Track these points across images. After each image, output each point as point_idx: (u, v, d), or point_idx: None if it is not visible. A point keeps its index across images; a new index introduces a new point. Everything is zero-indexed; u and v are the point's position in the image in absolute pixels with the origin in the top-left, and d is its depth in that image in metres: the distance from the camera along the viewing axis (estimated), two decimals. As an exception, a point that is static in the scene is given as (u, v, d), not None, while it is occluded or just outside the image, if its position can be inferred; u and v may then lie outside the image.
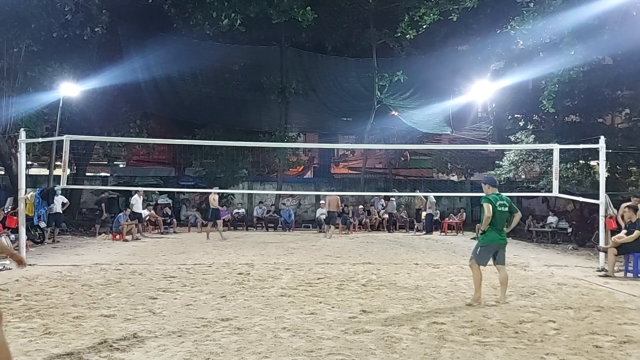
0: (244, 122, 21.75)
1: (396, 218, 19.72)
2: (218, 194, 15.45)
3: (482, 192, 6.94)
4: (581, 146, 11.10)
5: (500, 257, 6.70)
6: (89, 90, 16.74)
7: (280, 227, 19.04)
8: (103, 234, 15.13)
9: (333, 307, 6.12)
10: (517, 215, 6.85)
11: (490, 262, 6.76)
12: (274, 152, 20.63)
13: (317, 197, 20.91)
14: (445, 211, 20.61)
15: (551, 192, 11.35)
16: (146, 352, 4.34)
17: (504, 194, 6.95)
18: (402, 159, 26.29)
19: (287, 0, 17.05)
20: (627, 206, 9.30)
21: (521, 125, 17.05)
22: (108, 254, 11.35)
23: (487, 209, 6.48)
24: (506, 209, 6.65)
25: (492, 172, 17.09)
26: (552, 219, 16.37)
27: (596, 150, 10.39)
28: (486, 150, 19.79)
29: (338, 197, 16.55)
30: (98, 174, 25.16)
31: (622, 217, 9.52)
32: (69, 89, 15.35)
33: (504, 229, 6.73)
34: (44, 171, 22.03)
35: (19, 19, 13.52)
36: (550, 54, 13.43)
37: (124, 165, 26.16)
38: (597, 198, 10.10)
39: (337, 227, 17.37)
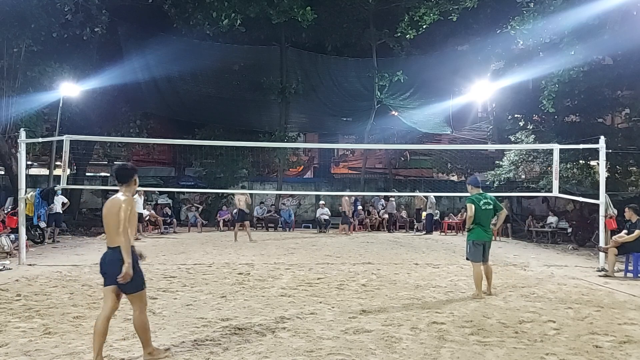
0: (244, 122, 21.73)
1: (396, 218, 19.71)
2: (244, 194, 14.99)
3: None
4: (581, 146, 11.10)
5: (485, 254, 7.08)
6: (89, 90, 16.72)
7: (280, 227, 19.04)
8: (103, 234, 15.10)
9: (333, 307, 6.12)
10: (503, 213, 7.42)
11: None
12: (274, 152, 20.62)
13: (317, 197, 20.91)
14: (445, 211, 20.61)
15: (551, 192, 11.36)
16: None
17: (490, 194, 7.45)
18: (402, 159, 26.28)
19: (287, 1, 17.03)
20: (629, 206, 9.30)
21: (521, 125, 17.05)
22: (108, 254, 11.33)
23: (470, 209, 6.98)
24: (490, 207, 7.07)
25: (492, 171, 17.10)
26: (552, 219, 16.37)
27: (596, 150, 10.40)
28: (486, 150, 19.78)
29: (347, 198, 17.02)
30: (98, 174, 25.16)
31: None
32: (69, 89, 15.34)
33: (492, 226, 7.12)
34: (44, 171, 22.01)
35: (19, 19, 13.51)
36: (550, 54, 13.42)
37: (124, 165, 26.11)
38: (597, 198, 10.11)
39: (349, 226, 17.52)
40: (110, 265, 4.00)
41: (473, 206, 6.93)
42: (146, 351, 4.13)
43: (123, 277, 3.90)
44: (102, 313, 4.07)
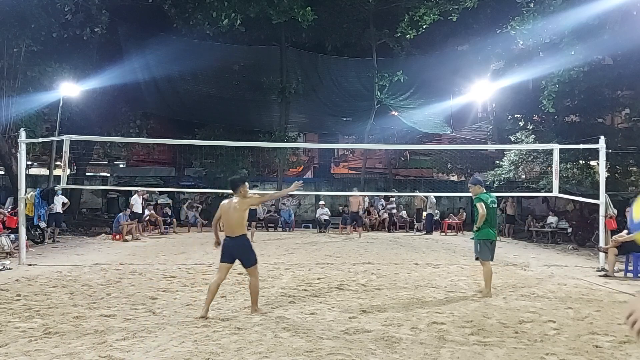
0: (244, 122, 21.74)
1: (396, 218, 19.70)
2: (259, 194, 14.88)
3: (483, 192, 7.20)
4: (581, 146, 11.10)
5: (492, 253, 7.12)
6: (89, 90, 16.72)
7: (280, 227, 19.03)
8: (103, 234, 15.12)
9: (333, 307, 6.12)
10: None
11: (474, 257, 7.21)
12: (274, 152, 20.62)
13: (317, 197, 20.90)
14: (445, 211, 20.60)
15: (551, 192, 11.36)
16: (146, 352, 4.34)
17: (494, 194, 7.51)
18: (402, 159, 26.28)
19: (287, 1, 17.03)
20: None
21: (521, 125, 17.04)
22: (108, 254, 11.35)
23: (482, 207, 6.94)
24: (495, 205, 7.19)
25: (492, 171, 17.09)
26: (552, 219, 16.36)
27: (596, 150, 10.40)
28: (486, 150, 19.78)
29: (360, 198, 16.59)
30: (98, 174, 25.17)
31: None
32: (69, 89, 15.34)
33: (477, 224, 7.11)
34: (44, 171, 22.03)
35: (19, 19, 13.52)
36: (550, 54, 13.42)
37: (124, 165, 26.17)
38: (597, 198, 10.11)
39: (359, 227, 17.22)
40: (237, 250, 5.66)
41: (484, 204, 6.96)
42: (253, 308, 5.78)
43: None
44: (216, 280, 5.66)
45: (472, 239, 7.25)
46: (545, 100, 13.35)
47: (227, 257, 5.67)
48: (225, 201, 5.85)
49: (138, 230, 15.11)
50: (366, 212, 19.78)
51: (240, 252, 5.68)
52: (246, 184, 5.79)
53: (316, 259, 10.82)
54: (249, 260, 5.70)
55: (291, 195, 21.78)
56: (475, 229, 7.11)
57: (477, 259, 7.18)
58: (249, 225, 14.49)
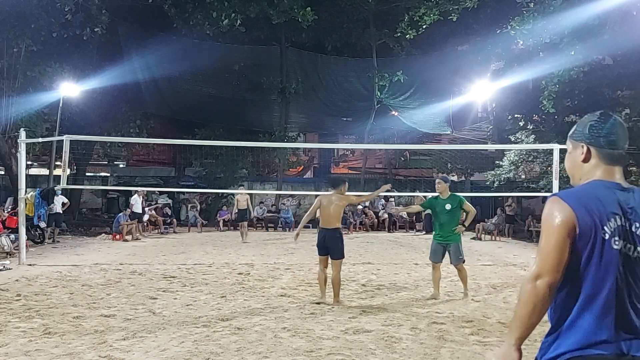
0: (244, 122, 21.74)
1: (396, 218, 19.69)
2: (243, 195, 14.70)
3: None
4: (581, 146, 11.07)
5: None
6: (89, 90, 16.72)
7: (280, 227, 19.03)
8: (103, 234, 15.12)
9: (333, 307, 6.12)
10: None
11: (437, 259, 7.12)
12: (274, 152, 20.61)
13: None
14: (445, 211, 20.56)
15: (551, 192, 11.32)
16: (146, 352, 4.34)
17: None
18: (402, 159, 26.29)
19: (287, 1, 17.03)
20: None
21: (521, 125, 17.04)
22: (108, 254, 11.35)
23: (471, 207, 7.13)
24: None
25: (492, 171, 17.07)
26: (552, 219, 16.33)
27: (596, 151, 10.36)
28: (486, 150, 19.78)
29: None
30: (98, 174, 25.17)
31: None
32: (69, 89, 15.34)
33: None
34: (44, 171, 22.02)
35: (19, 19, 13.52)
36: (550, 54, 13.42)
37: (124, 165, 26.16)
38: (597, 198, 10.07)
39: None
40: (330, 240, 6.23)
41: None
42: (335, 299, 6.23)
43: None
44: (320, 269, 6.37)
45: (451, 242, 7.03)
46: (545, 100, 13.35)
47: (322, 249, 6.31)
48: (323, 196, 6.44)
49: (138, 230, 15.10)
50: (363, 214, 19.76)
51: (331, 244, 6.21)
52: (346, 183, 6.46)
53: (316, 259, 10.77)
54: (336, 253, 6.23)
55: (291, 195, 21.79)
56: (462, 230, 6.96)
57: (462, 262, 6.97)
58: (244, 227, 14.59)
